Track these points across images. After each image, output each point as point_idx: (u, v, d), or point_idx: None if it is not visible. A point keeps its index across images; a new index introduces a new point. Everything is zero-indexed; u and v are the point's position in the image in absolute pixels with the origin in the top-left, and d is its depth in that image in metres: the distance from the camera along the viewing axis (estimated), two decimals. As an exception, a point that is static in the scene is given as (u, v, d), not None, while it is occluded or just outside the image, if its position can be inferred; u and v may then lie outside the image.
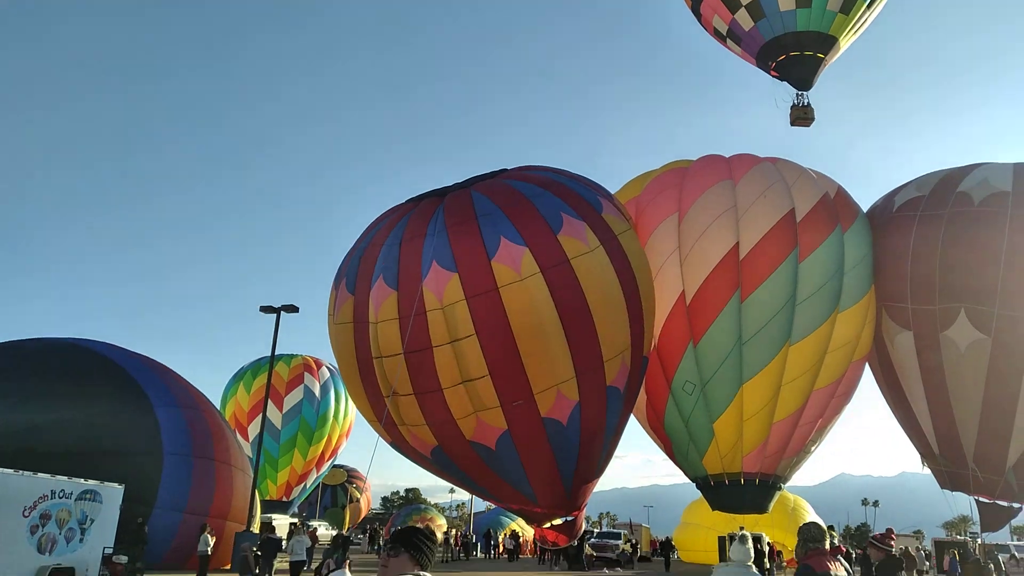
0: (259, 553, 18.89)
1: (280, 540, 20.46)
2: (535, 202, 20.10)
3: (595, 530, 47.59)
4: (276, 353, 49.18)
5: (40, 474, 15.21)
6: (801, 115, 29.67)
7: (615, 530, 42.60)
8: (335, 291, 21.57)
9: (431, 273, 19.01)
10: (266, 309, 26.69)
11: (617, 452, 24.29)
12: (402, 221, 20.73)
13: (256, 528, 25.42)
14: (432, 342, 18.89)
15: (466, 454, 20.09)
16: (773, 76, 30.08)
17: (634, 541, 38.28)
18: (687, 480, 27.23)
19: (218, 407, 49.05)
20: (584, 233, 19.95)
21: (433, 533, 4.15)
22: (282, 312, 26.58)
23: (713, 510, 27.02)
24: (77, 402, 23.81)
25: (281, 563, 22.13)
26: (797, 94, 29.95)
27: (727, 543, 31.08)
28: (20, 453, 20.16)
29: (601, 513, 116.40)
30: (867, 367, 26.63)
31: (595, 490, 24.06)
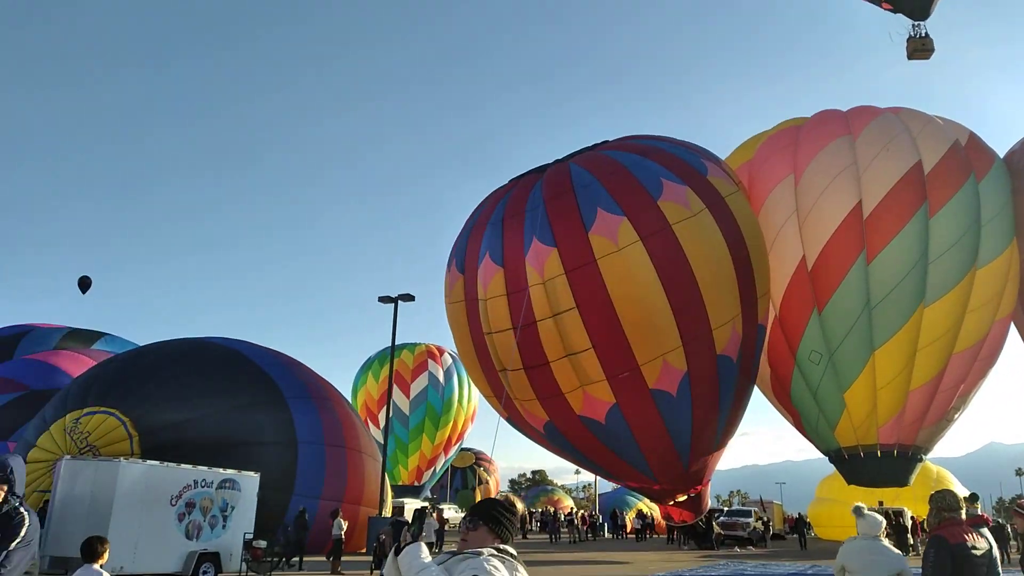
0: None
1: (407, 522, 21.05)
2: (633, 170, 19.73)
3: (724, 508, 46.56)
4: (400, 342, 50.79)
5: (183, 465, 16.26)
6: (919, 47, 27.43)
7: (745, 508, 41.44)
8: (447, 272, 22.07)
9: (532, 249, 19.08)
10: (384, 299, 27.41)
11: (744, 428, 23.62)
12: (504, 199, 20.89)
13: (388, 512, 26.35)
14: (536, 316, 19.00)
15: (577, 429, 20.07)
16: (886, 9, 28.04)
17: (766, 519, 37.10)
18: (820, 455, 26.14)
19: (349, 396, 51.31)
20: (686, 197, 19.41)
21: (513, 505, 4.06)
22: (399, 301, 27.21)
23: (849, 484, 25.82)
24: (216, 398, 25.29)
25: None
26: (913, 25, 27.76)
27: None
28: (168, 447, 21.67)
29: (731, 491, 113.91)
30: (1012, 326, 24.67)
31: (723, 468, 23.47)
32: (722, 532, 32.04)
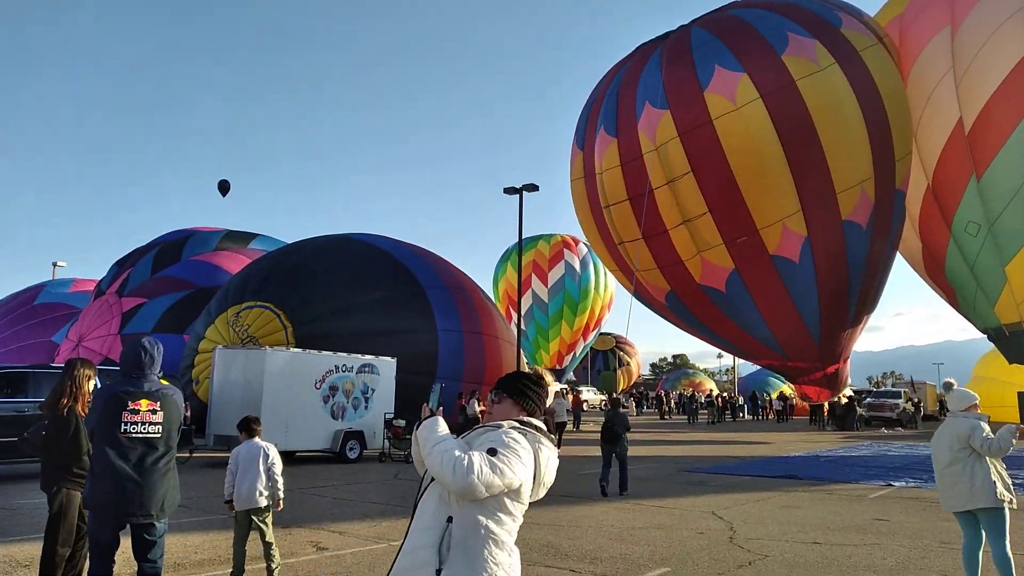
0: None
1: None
2: (757, 25, 18.45)
3: (874, 390, 44.97)
4: (536, 234, 51.29)
5: (324, 352, 17.47)
6: None
7: (894, 389, 39.78)
8: (571, 150, 21.96)
9: (644, 114, 18.52)
10: (509, 190, 27.50)
11: (899, 307, 22.67)
12: (623, 67, 20.24)
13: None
14: (651, 184, 18.61)
15: (698, 298, 19.81)
16: None
17: (916, 400, 35.49)
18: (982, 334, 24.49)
19: (491, 286, 52.90)
20: (814, 51, 17.95)
21: (541, 378, 4.01)
22: (524, 191, 27.23)
23: (1010, 363, 24.09)
24: (361, 290, 26.74)
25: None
26: None
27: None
28: (318, 337, 23.26)
29: (884, 372, 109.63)
30: None
31: (877, 348, 22.77)
32: (863, 413, 31.04)
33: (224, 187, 33.29)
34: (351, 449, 16.83)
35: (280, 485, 6.59)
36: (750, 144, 17.95)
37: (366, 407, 17.46)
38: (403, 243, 31.42)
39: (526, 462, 2.78)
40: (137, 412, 4.88)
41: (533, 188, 27.16)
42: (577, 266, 50.63)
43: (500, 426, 2.89)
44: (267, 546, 6.50)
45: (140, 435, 4.87)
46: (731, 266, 18.87)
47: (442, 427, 2.83)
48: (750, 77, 17.80)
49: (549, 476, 2.92)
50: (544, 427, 3.00)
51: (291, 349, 17.78)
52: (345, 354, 17.62)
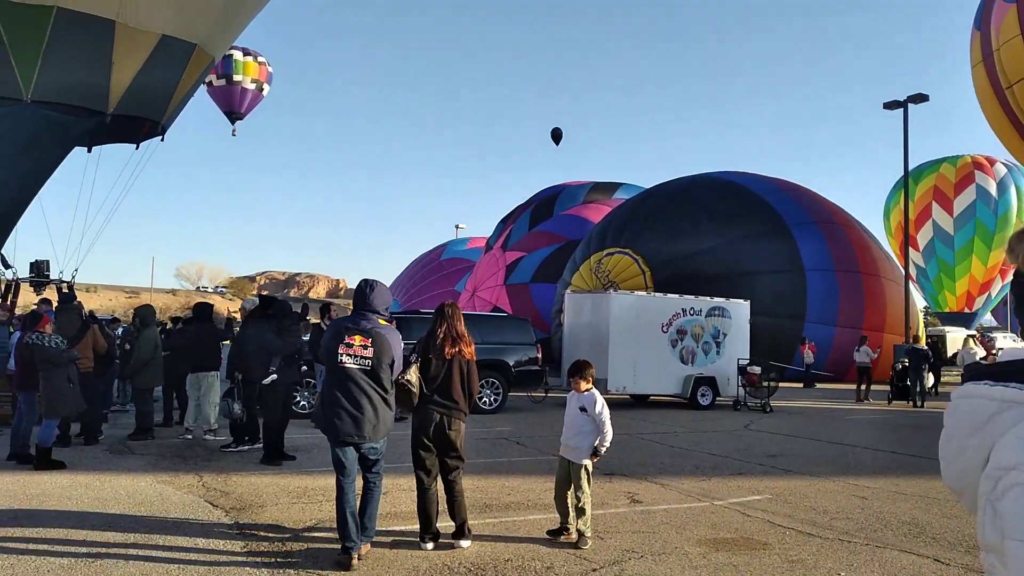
0: (907, 363, 17.63)
1: (926, 351, 18.69)
2: None
3: None
4: (940, 157, 44.62)
5: (669, 295, 16.83)
6: None
7: None
8: (971, 34, 18.56)
9: None
10: (891, 104, 23.84)
11: None
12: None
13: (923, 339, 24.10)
14: None
15: None
16: None
17: None
18: None
19: (882, 220, 47.49)
20: None
21: None
22: (909, 104, 23.36)
23: None
24: (718, 230, 25.66)
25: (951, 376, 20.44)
26: None
27: None
28: (677, 279, 22.81)
29: None
30: None
31: None
32: None
33: (557, 135, 34.49)
34: (703, 395, 16.04)
35: (607, 437, 6.01)
36: None
37: (718, 352, 16.46)
38: (765, 178, 29.44)
39: None
40: (351, 346, 5.31)
41: (921, 99, 23.19)
42: (993, 190, 42.61)
43: None
44: (578, 496, 6.14)
45: (351, 366, 5.29)
46: None
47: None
48: None
49: None
50: None
51: (635, 292, 17.49)
52: (693, 297, 16.81)
